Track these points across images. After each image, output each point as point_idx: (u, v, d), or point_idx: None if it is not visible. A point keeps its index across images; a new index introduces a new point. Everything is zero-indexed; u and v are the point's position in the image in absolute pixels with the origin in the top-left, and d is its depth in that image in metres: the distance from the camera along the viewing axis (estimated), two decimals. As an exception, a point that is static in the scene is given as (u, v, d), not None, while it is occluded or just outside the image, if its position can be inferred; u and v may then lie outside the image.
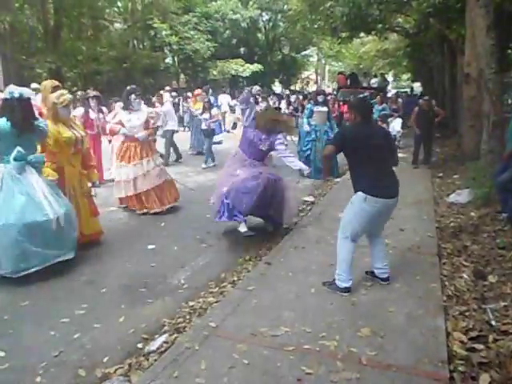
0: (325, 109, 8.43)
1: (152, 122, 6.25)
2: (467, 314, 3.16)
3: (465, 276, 3.80)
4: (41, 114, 5.02)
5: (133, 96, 5.89)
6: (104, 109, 8.18)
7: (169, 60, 23.66)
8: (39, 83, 8.08)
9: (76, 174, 4.55)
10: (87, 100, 7.59)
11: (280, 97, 16.95)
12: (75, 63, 19.69)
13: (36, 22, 18.73)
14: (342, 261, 3.47)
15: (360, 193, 3.38)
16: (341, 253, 3.49)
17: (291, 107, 15.43)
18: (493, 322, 3.04)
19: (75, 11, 19.26)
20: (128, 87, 6.13)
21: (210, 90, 13.10)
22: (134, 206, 5.87)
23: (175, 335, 2.99)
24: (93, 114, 7.51)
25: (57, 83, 5.24)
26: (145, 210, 5.79)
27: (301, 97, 17.92)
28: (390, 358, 2.57)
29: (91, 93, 7.86)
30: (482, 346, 2.74)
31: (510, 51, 10.26)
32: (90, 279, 3.91)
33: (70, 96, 4.63)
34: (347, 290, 3.44)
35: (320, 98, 8.44)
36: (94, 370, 2.66)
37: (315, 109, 8.39)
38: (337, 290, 3.47)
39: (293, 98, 17.73)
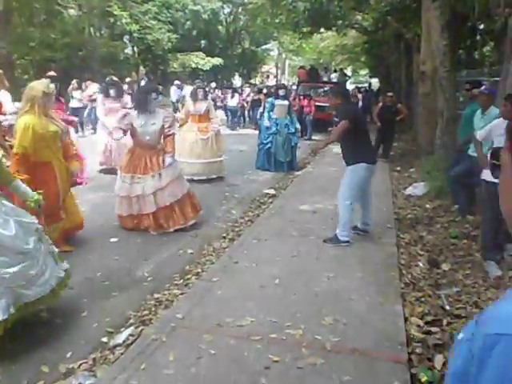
0: (285, 102, 8.57)
1: (167, 126, 4.99)
2: (423, 299, 3.34)
3: (420, 264, 4.00)
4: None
5: (153, 95, 4.89)
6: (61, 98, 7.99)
7: (128, 50, 23.03)
8: None
9: (63, 167, 4.17)
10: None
11: (234, 90, 16.93)
12: (27, 50, 18.76)
13: (-16, 6, 17.64)
14: (346, 222, 4.29)
15: (362, 164, 4.22)
16: (344, 215, 4.27)
17: (241, 101, 15.63)
18: (447, 307, 3.22)
19: (27, -5, 18.32)
20: (143, 83, 6.01)
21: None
22: (144, 225, 4.90)
23: (141, 327, 2.97)
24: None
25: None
26: (160, 230, 4.87)
27: (250, 92, 17.52)
28: (353, 343, 2.67)
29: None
30: (437, 329, 2.91)
31: (461, 51, 10.76)
32: (50, 274, 3.79)
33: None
34: (348, 241, 4.30)
35: (281, 92, 8.56)
36: (57, 365, 2.60)
37: (276, 102, 8.48)
38: (339, 243, 4.27)
39: (246, 91, 17.67)
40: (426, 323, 2.99)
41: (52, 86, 4.01)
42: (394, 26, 10.86)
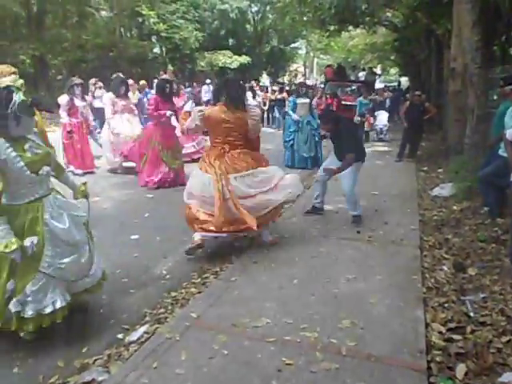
0: (307, 100, 8.75)
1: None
2: (446, 305, 3.20)
3: (445, 268, 3.85)
4: None
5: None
6: (86, 97, 8.19)
7: (157, 50, 23.35)
8: (23, 70, 8.05)
9: None
10: (72, 87, 7.49)
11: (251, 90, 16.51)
12: (60, 51, 19.31)
13: (19, 8, 18.26)
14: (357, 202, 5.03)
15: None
16: (354, 199, 4.99)
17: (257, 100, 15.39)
18: (471, 314, 3.08)
19: (59, -3, 18.86)
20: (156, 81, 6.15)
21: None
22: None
23: (156, 326, 2.98)
24: (78, 102, 7.51)
25: (14, 69, 5.16)
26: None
27: (272, 89, 17.13)
28: (370, 349, 2.59)
29: (76, 80, 7.75)
30: (459, 337, 2.78)
31: (495, 47, 10.35)
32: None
33: (22, 81, 4.56)
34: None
35: (302, 90, 8.76)
36: (72, 360, 2.63)
37: (298, 101, 8.61)
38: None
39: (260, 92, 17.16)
40: (449, 330, 2.87)
41: (21, 81, 4.42)
42: (424, 21, 10.55)
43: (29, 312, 2.62)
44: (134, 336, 2.86)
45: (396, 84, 25.36)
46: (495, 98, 7.03)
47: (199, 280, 3.74)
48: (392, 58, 27.40)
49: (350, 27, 15.94)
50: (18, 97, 2.55)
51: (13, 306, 2.60)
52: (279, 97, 15.08)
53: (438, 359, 2.57)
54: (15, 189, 2.63)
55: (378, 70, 30.11)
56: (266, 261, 3.95)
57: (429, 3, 9.23)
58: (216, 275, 3.80)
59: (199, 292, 3.46)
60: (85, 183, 3.19)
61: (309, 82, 27.43)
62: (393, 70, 36.20)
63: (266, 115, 16.26)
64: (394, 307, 3.07)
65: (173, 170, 6.78)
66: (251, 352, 2.57)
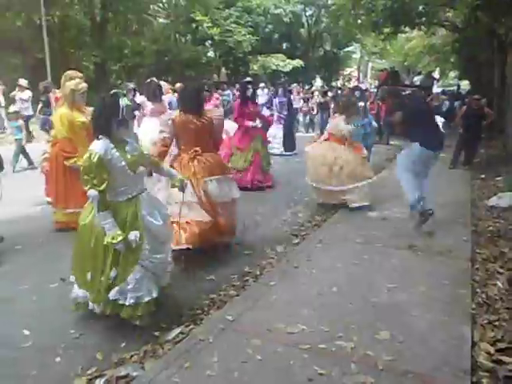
0: (361, 103, 8.54)
1: None
2: (497, 323, 2.99)
3: (499, 284, 3.60)
4: (57, 99, 5.30)
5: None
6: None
7: (210, 53, 23.86)
8: (86, 75, 8.46)
9: None
10: (128, 93, 7.79)
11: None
12: (120, 57, 20.25)
13: (83, 17, 19.36)
14: (410, 190, 4.85)
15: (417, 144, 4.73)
16: (408, 184, 4.90)
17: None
18: (525, 334, 2.86)
19: (121, 6, 19.77)
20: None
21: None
22: None
23: (191, 326, 3.01)
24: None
25: (80, 74, 5.48)
26: None
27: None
28: (408, 365, 2.46)
29: (130, 85, 8.06)
30: (510, 359, 2.58)
31: None
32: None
33: (86, 84, 4.89)
34: (423, 214, 4.75)
35: (357, 94, 8.88)
36: (110, 354, 2.72)
37: None
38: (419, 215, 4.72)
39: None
40: (498, 351, 2.67)
41: (83, 85, 4.77)
42: (486, 21, 10.00)
43: (130, 300, 2.87)
44: (170, 335, 2.91)
45: (455, 88, 24.25)
46: None
47: (239, 283, 3.74)
48: (451, 60, 26.22)
49: (407, 29, 15.41)
50: (123, 102, 2.84)
51: (113, 294, 2.85)
52: (322, 100, 14.63)
53: (484, 381, 2.40)
54: (117, 186, 2.86)
55: (436, 74, 28.94)
56: (307, 266, 3.89)
57: (491, 1, 8.73)
58: (256, 279, 3.79)
59: (237, 295, 3.46)
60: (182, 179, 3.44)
61: (362, 86, 26.92)
62: (452, 74, 34.63)
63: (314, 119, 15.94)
64: (437, 322, 2.91)
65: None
66: (284, 358, 2.53)
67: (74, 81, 4.85)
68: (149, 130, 7.39)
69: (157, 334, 2.95)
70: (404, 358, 2.53)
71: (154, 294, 2.97)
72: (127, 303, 2.87)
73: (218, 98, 8.18)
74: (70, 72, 5.97)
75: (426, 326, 2.87)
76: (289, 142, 10.13)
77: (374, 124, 8.54)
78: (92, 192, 2.75)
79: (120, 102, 2.81)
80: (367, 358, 2.53)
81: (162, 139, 4.17)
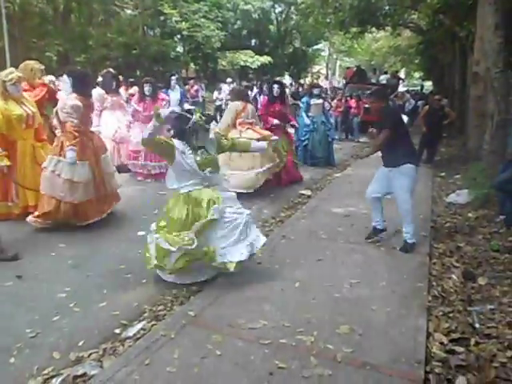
0: (320, 101, 8.82)
1: None
2: (451, 315, 3.10)
3: (454, 277, 3.74)
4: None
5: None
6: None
7: (179, 48, 23.54)
8: (48, 66, 8.11)
9: (28, 146, 4.85)
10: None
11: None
12: (84, 48, 19.66)
13: (46, 6, 18.68)
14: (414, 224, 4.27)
15: (410, 164, 4.12)
16: (411, 214, 4.22)
17: None
18: (476, 325, 2.98)
19: (85, -5, 19.22)
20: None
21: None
22: None
23: (153, 322, 2.97)
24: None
25: (42, 66, 5.39)
26: None
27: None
28: (366, 356, 2.52)
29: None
30: (462, 349, 2.69)
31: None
32: (76, 263, 3.90)
33: (19, 74, 4.82)
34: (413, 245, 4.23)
35: (316, 91, 8.81)
36: (68, 353, 2.65)
37: (312, 101, 8.68)
38: (413, 247, 4.20)
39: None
40: (451, 341, 2.77)
41: (13, 75, 4.67)
42: (448, 24, 10.32)
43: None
44: (131, 332, 2.87)
45: (419, 88, 24.96)
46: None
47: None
48: (416, 61, 26.98)
49: (373, 29, 15.72)
50: (194, 117, 3.45)
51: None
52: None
53: (437, 371, 2.49)
54: (187, 179, 3.47)
55: (402, 74, 29.71)
56: (270, 262, 3.91)
57: (452, 5, 9.02)
58: (218, 274, 3.77)
59: (199, 291, 3.44)
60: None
61: (335, 84, 27.20)
62: (417, 74, 35.64)
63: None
64: (395, 315, 2.99)
65: None
66: (244, 353, 2.54)
67: (5, 71, 4.78)
68: (110, 125, 7.26)
69: (117, 331, 2.90)
70: (362, 350, 2.59)
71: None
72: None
73: (163, 99, 7.68)
74: (31, 62, 5.79)
75: (384, 319, 2.94)
76: None
77: (332, 121, 8.86)
78: None
79: (192, 118, 3.48)
80: (326, 352, 2.57)
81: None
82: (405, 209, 4.22)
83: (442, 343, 2.75)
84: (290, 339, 2.68)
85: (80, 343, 2.74)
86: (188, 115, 3.46)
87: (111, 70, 7.69)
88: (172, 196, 3.60)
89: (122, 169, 7.04)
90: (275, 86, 7.09)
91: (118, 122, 7.41)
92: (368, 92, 12.80)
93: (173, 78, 9.17)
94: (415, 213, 4.36)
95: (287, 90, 16.52)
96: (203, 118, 3.52)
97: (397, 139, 4.10)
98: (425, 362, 2.51)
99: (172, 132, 3.60)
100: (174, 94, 9.21)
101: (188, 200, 3.45)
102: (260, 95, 10.42)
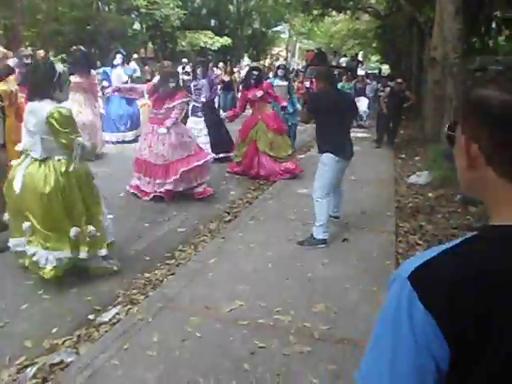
0: (285, 83, 8.25)
1: None
2: (418, 290, 3.25)
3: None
4: None
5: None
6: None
7: (136, 26, 22.66)
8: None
9: (10, 125, 4.58)
10: (21, 59, 6.56)
11: None
12: (34, 22, 18.53)
13: (-10, -25, 17.37)
14: (323, 216, 3.88)
15: (330, 154, 3.84)
16: (322, 209, 3.88)
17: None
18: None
19: (34, -34, 18.02)
20: None
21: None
22: None
23: (128, 307, 2.93)
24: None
25: None
26: None
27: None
28: (342, 333, 2.61)
29: (25, 51, 7.14)
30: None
31: (475, 38, 10.44)
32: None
33: (3, 50, 4.74)
34: (325, 241, 3.90)
35: (280, 72, 8.25)
36: (41, 341, 2.56)
37: (275, 83, 8.27)
38: (316, 243, 3.89)
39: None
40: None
41: None
42: (408, 9, 10.54)
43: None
44: (106, 317, 2.81)
45: (377, 71, 25.46)
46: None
47: (173, 261, 3.70)
48: (374, 45, 27.47)
49: (333, 12, 15.82)
50: (60, 67, 3.13)
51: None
52: (226, 79, 13.25)
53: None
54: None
55: (360, 57, 30.16)
56: (242, 243, 3.93)
57: (412, -10, 9.22)
58: (190, 257, 3.75)
59: (173, 273, 3.41)
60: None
61: (295, 66, 27.17)
62: (374, 58, 36.31)
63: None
64: (367, 292, 3.10)
65: None
66: (224, 335, 2.56)
67: None
68: (71, 105, 6.82)
69: (91, 317, 2.83)
70: (338, 326, 2.67)
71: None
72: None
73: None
74: None
75: (357, 296, 3.04)
76: (219, 142, 7.26)
77: (298, 106, 8.44)
78: (80, 140, 3.01)
79: (56, 68, 3.08)
80: (304, 330, 2.64)
81: None
82: (314, 200, 3.94)
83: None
84: (268, 319, 2.72)
85: (53, 331, 2.66)
86: (51, 64, 3.14)
87: (81, 47, 7.12)
88: None
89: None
90: (254, 72, 6.70)
91: (78, 106, 6.77)
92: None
93: (118, 55, 8.51)
94: (325, 213, 3.88)
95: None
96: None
97: (323, 126, 3.94)
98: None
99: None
100: (115, 73, 8.39)
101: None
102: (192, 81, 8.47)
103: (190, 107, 7.11)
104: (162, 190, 5.14)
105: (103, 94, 7.67)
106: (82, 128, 6.63)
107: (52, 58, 7.13)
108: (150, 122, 5.46)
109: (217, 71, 14.43)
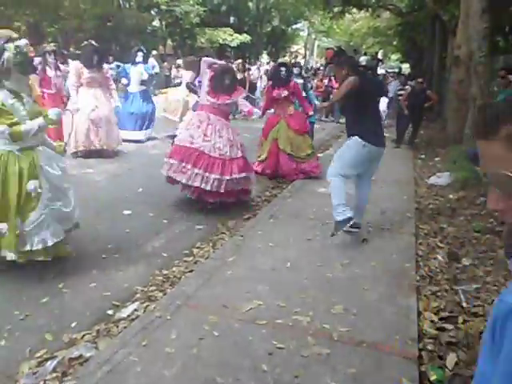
0: (300, 81, 8.28)
1: None
2: (439, 294, 3.19)
3: (439, 257, 3.83)
4: None
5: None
6: (62, 66, 7.50)
7: (156, 23, 22.83)
8: (17, 36, 7.60)
9: None
10: (44, 55, 6.78)
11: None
12: (56, 18, 18.82)
13: (15, -28, 17.67)
14: (337, 196, 3.79)
15: (357, 138, 3.75)
16: (336, 188, 3.81)
17: None
18: (464, 304, 3.07)
19: (57, -37, 18.27)
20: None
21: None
22: None
23: (147, 303, 2.93)
24: (50, 72, 6.84)
25: (12, 33, 5.09)
26: None
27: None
28: (362, 335, 2.56)
29: (48, 47, 7.15)
30: (451, 327, 2.77)
31: (499, 38, 10.21)
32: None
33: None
34: (351, 219, 3.73)
35: (295, 71, 8.08)
36: (61, 335, 2.58)
37: None
38: (339, 227, 3.78)
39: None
40: (441, 319, 2.86)
41: None
42: (431, 7, 10.35)
43: (39, 245, 3.05)
44: (124, 313, 2.82)
45: (397, 70, 25.12)
46: (495, 88, 6.96)
47: (191, 259, 3.70)
48: (394, 43, 27.11)
49: (354, 10, 15.64)
50: (9, 54, 2.89)
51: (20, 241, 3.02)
52: (239, 77, 13.48)
53: (429, 347, 2.56)
54: None
55: (380, 56, 29.82)
56: (260, 241, 3.91)
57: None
58: (208, 254, 3.75)
59: (191, 271, 3.41)
60: (60, 144, 3.60)
61: (313, 64, 27.01)
62: (394, 56, 35.84)
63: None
64: (386, 294, 3.05)
65: None
66: (242, 334, 2.54)
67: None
68: (86, 103, 6.65)
69: (110, 312, 2.85)
70: (358, 329, 2.63)
71: (58, 238, 3.16)
72: (34, 248, 3.04)
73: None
74: (1, 31, 5.48)
75: (377, 298, 3.00)
76: None
77: (316, 102, 8.38)
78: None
79: (6, 53, 2.91)
80: (323, 331, 2.60)
81: None
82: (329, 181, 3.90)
83: (432, 321, 2.82)
84: (287, 319, 2.70)
85: (72, 325, 2.69)
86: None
87: (93, 42, 7.15)
88: None
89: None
90: (282, 68, 6.50)
91: (95, 100, 6.80)
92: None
93: (139, 53, 8.46)
94: (343, 195, 3.83)
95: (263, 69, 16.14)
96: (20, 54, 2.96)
97: (353, 112, 3.88)
98: (418, 339, 2.58)
99: None
100: (135, 70, 8.25)
101: None
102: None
103: (194, 103, 6.99)
104: (213, 187, 4.64)
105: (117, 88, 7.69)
106: (98, 123, 6.73)
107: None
108: (203, 110, 4.99)
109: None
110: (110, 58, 12.04)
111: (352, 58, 4.44)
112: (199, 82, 6.88)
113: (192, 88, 7.01)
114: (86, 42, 7.04)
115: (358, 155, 3.79)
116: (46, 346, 2.48)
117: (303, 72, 13.07)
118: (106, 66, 7.33)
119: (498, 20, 8.75)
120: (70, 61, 7.28)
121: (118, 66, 8.88)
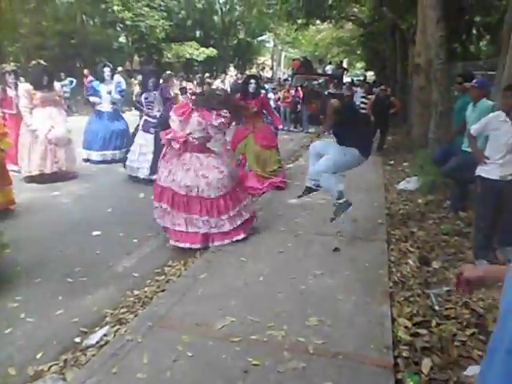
0: (262, 92, 7.96)
1: None
2: (412, 299, 3.21)
3: (410, 262, 3.87)
4: None
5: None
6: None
7: (122, 39, 22.64)
8: None
9: None
10: (3, 76, 6.68)
11: None
12: (17, 37, 18.41)
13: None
14: (333, 186, 4.22)
15: (355, 149, 4.12)
16: (330, 181, 4.20)
17: None
18: (436, 307, 3.10)
19: (16, -19, 17.92)
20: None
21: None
22: None
23: (117, 327, 2.84)
24: (11, 92, 6.69)
25: None
26: None
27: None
28: (337, 346, 2.55)
29: (7, 67, 7.01)
30: (425, 331, 2.79)
31: (457, 45, 10.59)
32: (26, 268, 3.64)
33: None
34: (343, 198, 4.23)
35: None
36: (25, 367, 2.47)
37: None
38: (342, 209, 4.25)
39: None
40: (414, 324, 2.87)
41: None
42: (390, 17, 10.66)
43: None
44: (93, 339, 2.72)
45: (362, 78, 25.71)
46: (456, 93, 7.19)
47: (163, 277, 3.62)
48: (358, 52, 27.76)
49: (318, 21, 15.95)
50: None
51: None
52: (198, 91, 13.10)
53: (404, 354, 2.56)
54: None
55: (345, 64, 30.47)
56: (231, 256, 3.86)
57: (395, -1, 9.34)
58: (180, 272, 3.68)
59: (162, 290, 3.33)
60: None
61: (280, 75, 27.29)
62: (359, 65, 36.71)
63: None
64: (361, 303, 3.05)
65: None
66: (216, 353, 2.48)
67: None
68: (42, 124, 6.35)
69: (78, 340, 2.74)
70: (333, 340, 2.61)
71: None
72: None
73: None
74: None
75: (351, 307, 2.99)
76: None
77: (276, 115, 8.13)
78: None
79: None
80: (298, 345, 2.57)
81: None
82: (321, 177, 4.28)
83: (406, 327, 2.83)
84: (261, 335, 2.66)
85: (38, 356, 2.57)
86: None
87: (41, 61, 6.90)
88: None
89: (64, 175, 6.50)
90: (252, 80, 6.29)
91: (50, 120, 6.49)
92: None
93: (105, 69, 8.29)
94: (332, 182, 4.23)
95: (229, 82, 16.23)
96: None
97: (351, 130, 4.15)
98: (393, 347, 2.58)
99: None
100: (105, 87, 7.98)
101: None
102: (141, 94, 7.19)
103: (142, 122, 6.65)
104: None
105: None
106: (56, 143, 6.38)
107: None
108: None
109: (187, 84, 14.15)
110: (62, 75, 11.75)
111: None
112: (145, 99, 6.60)
113: (137, 106, 6.88)
114: (33, 62, 6.80)
115: (349, 159, 4.20)
116: (9, 381, 2.35)
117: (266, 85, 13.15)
118: (57, 84, 7.08)
119: (455, 28, 9.09)
120: (19, 83, 6.87)
121: (72, 82, 8.69)
